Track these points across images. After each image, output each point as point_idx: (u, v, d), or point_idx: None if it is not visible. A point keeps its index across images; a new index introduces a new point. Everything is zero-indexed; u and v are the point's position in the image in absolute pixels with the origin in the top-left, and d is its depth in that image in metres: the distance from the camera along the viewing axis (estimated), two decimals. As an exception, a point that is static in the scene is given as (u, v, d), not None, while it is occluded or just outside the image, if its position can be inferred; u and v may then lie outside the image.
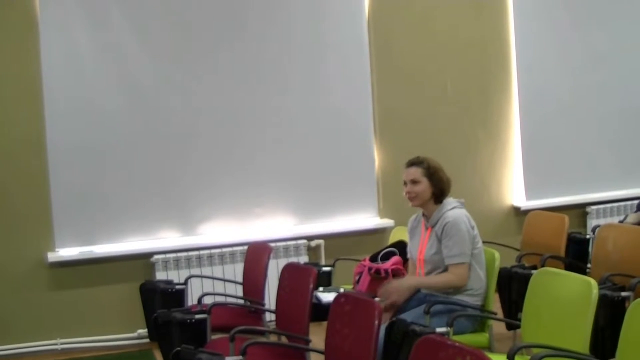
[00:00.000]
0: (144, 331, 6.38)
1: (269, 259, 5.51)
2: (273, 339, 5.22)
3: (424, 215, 4.94)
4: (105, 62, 6.48)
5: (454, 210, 4.79)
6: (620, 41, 8.16)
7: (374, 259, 5.50)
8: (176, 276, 6.44)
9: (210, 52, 6.74)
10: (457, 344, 3.06)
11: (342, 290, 5.14)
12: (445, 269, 4.74)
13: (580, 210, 7.94)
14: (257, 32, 6.84)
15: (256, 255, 5.69)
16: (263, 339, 5.05)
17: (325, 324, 4.16)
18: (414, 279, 4.90)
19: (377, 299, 4.81)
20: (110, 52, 6.49)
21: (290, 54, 6.97)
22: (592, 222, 7.77)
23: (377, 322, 3.68)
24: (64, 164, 6.38)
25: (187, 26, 6.68)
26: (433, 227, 4.80)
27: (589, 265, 5.90)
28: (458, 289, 4.71)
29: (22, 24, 6.31)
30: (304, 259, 6.84)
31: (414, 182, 4.83)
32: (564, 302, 4.07)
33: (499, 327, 5.07)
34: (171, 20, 6.65)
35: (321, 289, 5.45)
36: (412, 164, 4.91)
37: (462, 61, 7.55)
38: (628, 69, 8.20)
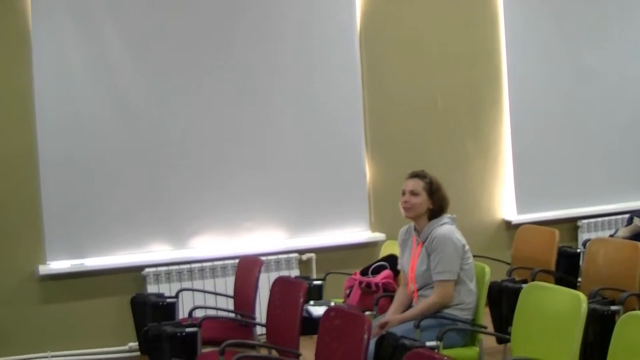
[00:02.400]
0: (134, 344, 6.33)
1: (259, 272, 5.51)
2: (263, 352, 5.21)
3: (415, 229, 4.94)
4: (97, 76, 6.48)
5: (443, 226, 4.78)
6: (610, 57, 8.23)
7: (364, 272, 5.53)
8: (167, 289, 6.42)
9: (201, 66, 6.75)
10: (446, 358, 3.07)
11: (332, 304, 5.15)
12: None
13: (571, 224, 7.96)
14: (247, 48, 6.85)
15: (247, 269, 5.69)
16: (253, 352, 5.06)
17: (315, 337, 4.17)
18: (398, 317, 4.76)
19: (367, 313, 4.84)
20: (101, 66, 6.49)
21: (281, 68, 6.98)
22: (583, 236, 7.79)
23: (366, 336, 3.69)
24: (55, 177, 6.36)
25: (178, 42, 6.68)
26: (424, 242, 4.80)
27: (579, 279, 5.91)
28: (443, 307, 4.70)
29: (14, 36, 6.30)
30: (295, 272, 6.81)
31: (413, 193, 4.81)
32: (554, 316, 4.08)
33: (489, 341, 5.09)
34: (163, 37, 6.65)
35: (312, 302, 5.46)
36: (415, 175, 4.89)
37: (452, 76, 7.58)
38: (618, 85, 8.25)
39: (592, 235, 7.55)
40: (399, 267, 5.14)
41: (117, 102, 6.54)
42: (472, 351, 4.72)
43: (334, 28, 7.16)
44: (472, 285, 4.76)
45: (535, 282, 4.61)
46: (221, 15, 6.78)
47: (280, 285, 4.93)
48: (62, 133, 6.39)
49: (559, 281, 5.77)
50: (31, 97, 6.31)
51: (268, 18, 6.94)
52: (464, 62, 7.63)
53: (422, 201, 4.81)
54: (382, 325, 4.60)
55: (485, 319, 4.96)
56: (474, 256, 4.88)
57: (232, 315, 5.83)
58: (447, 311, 4.69)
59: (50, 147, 6.36)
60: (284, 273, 6.71)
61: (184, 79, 6.71)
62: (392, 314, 4.83)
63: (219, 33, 6.78)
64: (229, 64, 6.80)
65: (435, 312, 4.68)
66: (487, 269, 4.85)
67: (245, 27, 6.85)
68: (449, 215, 4.88)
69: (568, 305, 4.00)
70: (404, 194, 4.86)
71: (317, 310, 5.12)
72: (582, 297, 3.97)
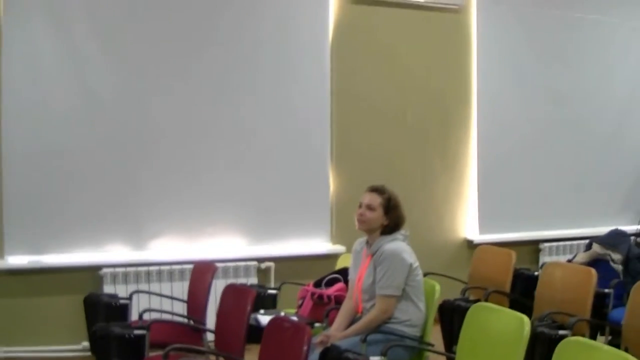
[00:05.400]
0: (88, 343, 6.31)
1: (212, 278, 5.49)
2: (212, 358, 5.20)
3: (367, 242, 4.93)
4: (66, 71, 6.45)
5: (394, 241, 4.78)
6: (579, 81, 8.32)
7: (317, 284, 5.53)
8: (124, 290, 6.39)
9: (172, 68, 6.74)
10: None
11: (282, 314, 5.15)
12: None
13: (533, 247, 8.01)
14: (221, 53, 6.88)
15: (200, 274, 5.67)
16: (201, 358, 5.04)
17: (261, 345, 4.17)
18: (340, 335, 4.70)
19: (316, 324, 4.84)
20: (71, 59, 6.46)
21: (250, 77, 6.99)
22: (544, 259, 7.83)
23: (305, 347, 3.69)
24: (17, 172, 6.33)
25: (151, 40, 6.67)
26: (372, 255, 4.79)
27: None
28: (384, 322, 4.69)
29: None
30: (253, 280, 6.82)
31: (369, 207, 4.81)
32: (498, 337, 4.08)
33: (439, 359, 5.08)
34: (136, 33, 6.63)
35: (262, 311, 5.45)
36: (374, 189, 4.89)
37: (423, 92, 7.63)
38: (586, 109, 8.34)
39: (554, 259, 7.60)
40: (348, 277, 5.12)
41: (85, 99, 6.51)
42: (418, 368, 4.73)
43: (307, 36, 7.20)
44: (421, 303, 4.75)
45: (482, 303, 4.60)
46: (195, 16, 6.80)
47: (230, 293, 4.93)
48: (27, 128, 6.36)
49: (514, 303, 5.78)
50: (-3, 89, 6.28)
51: (244, 25, 6.93)
52: (435, 78, 7.68)
53: (377, 217, 4.80)
54: (324, 341, 4.56)
55: (436, 336, 4.96)
56: (433, 273, 4.88)
57: (181, 319, 5.81)
58: (395, 327, 4.67)
59: (14, 141, 6.32)
60: (242, 280, 6.72)
61: (153, 80, 6.70)
62: (335, 329, 4.80)
63: (192, 33, 6.79)
64: (198, 68, 6.80)
65: (376, 327, 4.66)
66: (437, 287, 4.84)
67: (221, 34, 6.87)
68: (403, 231, 4.87)
69: (512, 328, 4.00)
70: (360, 206, 4.86)
71: (266, 319, 5.09)
72: (526, 320, 3.97)
